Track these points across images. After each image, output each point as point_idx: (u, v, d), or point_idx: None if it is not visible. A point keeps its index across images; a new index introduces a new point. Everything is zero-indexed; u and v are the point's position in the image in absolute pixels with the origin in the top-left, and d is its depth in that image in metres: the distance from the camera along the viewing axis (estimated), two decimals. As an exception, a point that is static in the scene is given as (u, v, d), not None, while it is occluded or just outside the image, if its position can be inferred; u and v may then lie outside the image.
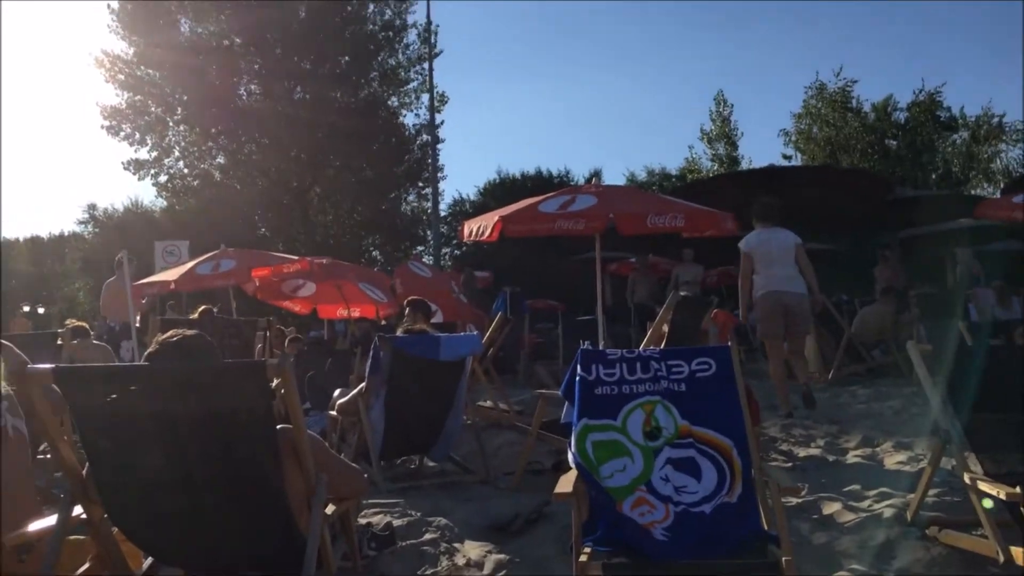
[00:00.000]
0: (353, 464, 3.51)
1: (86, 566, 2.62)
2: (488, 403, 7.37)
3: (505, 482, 4.80)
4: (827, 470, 4.74)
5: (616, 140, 64.35)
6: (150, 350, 2.57)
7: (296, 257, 10.67)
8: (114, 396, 2.38)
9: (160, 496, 2.48)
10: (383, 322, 10.00)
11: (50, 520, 2.49)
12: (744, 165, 25.68)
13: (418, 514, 3.90)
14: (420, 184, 26.12)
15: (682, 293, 5.70)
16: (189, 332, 2.62)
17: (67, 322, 6.88)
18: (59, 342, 5.64)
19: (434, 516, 3.87)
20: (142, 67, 23.29)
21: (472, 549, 3.42)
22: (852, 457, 5.07)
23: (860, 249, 14.67)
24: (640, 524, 2.87)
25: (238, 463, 2.43)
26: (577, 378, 3.28)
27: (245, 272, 9.33)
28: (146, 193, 49.83)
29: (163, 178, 24.87)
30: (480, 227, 7.18)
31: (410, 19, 24.89)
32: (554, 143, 65.09)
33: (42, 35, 63.99)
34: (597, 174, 28.50)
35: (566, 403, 3.58)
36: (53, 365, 2.47)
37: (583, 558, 2.66)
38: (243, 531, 2.55)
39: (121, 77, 23.19)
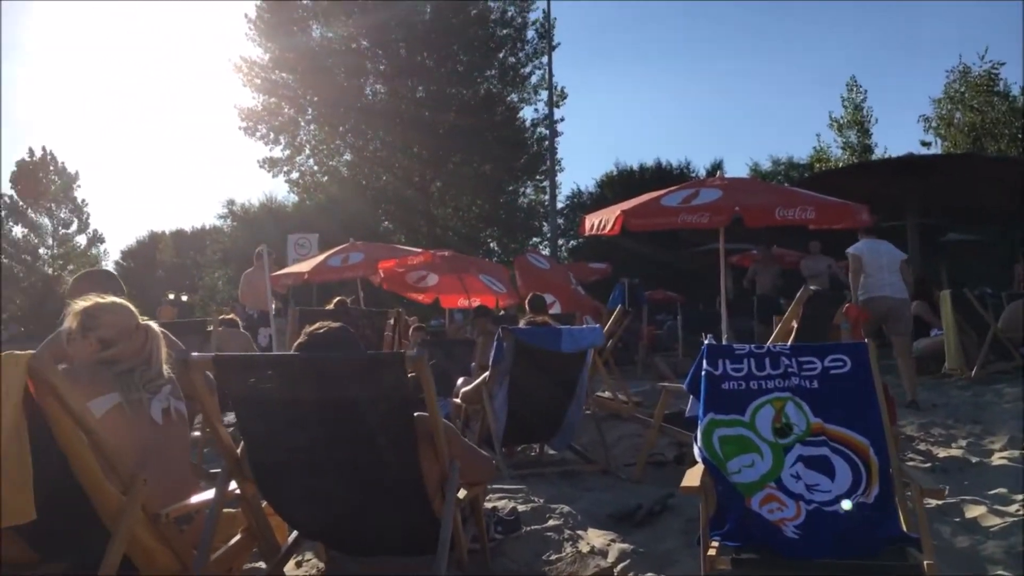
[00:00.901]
0: (482, 451, 3.61)
1: (237, 537, 2.82)
2: (607, 394, 7.37)
3: (626, 473, 4.80)
4: (970, 472, 4.50)
5: (739, 129, 62.53)
6: (299, 340, 2.75)
7: (419, 250, 10.99)
8: (264, 382, 2.55)
9: (306, 476, 2.65)
10: (502, 312, 10.15)
11: (208, 494, 2.69)
12: (878, 154, 24.33)
13: (541, 501, 3.95)
14: (538, 177, 26.34)
15: (812, 287, 5.52)
16: (334, 324, 2.78)
17: (224, 315, 7.41)
18: (209, 328, 6.08)
19: (557, 503, 3.91)
20: (276, 71, 24.58)
21: (596, 537, 3.45)
22: (997, 459, 4.77)
23: (1008, 241, 13.69)
24: (770, 521, 2.82)
25: (378, 448, 2.56)
26: (703, 372, 3.24)
27: (372, 264, 9.67)
28: (279, 189, 52.43)
29: (295, 175, 26.31)
30: (601, 221, 7.18)
31: (531, 16, 25.13)
32: (674, 134, 63.57)
33: (187, 46, 68.44)
34: (719, 166, 27.91)
35: (691, 397, 3.54)
36: (213, 354, 2.67)
37: (711, 552, 2.64)
38: (382, 512, 2.69)
39: (257, 81, 24.57)
